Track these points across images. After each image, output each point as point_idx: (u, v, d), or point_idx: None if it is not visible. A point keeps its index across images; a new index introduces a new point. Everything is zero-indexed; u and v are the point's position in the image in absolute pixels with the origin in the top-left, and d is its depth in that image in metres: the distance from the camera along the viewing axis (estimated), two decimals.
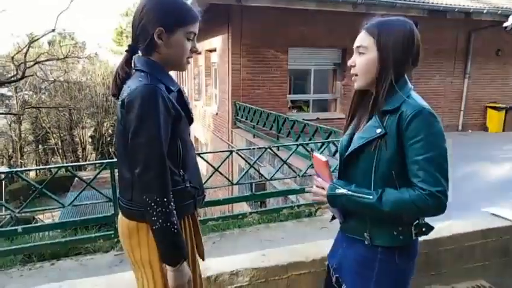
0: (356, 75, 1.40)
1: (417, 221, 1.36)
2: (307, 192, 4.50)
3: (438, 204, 1.23)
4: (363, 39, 1.37)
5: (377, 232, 1.37)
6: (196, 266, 1.47)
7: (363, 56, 1.36)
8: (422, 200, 1.23)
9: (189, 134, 1.46)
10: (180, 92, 1.38)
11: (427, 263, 2.36)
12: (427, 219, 1.41)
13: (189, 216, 1.45)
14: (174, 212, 1.26)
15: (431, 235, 2.32)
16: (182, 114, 1.34)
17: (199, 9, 1.38)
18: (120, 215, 1.41)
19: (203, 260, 1.56)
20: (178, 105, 1.33)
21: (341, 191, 1.35)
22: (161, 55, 1.34)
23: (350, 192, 1.34)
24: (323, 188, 1.43)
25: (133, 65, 1.36)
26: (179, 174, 1.35)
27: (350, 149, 1.40)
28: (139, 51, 1.36)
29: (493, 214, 2.70)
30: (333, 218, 1.57)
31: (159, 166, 1.23)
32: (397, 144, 1.28)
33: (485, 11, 9.17)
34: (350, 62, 1.42)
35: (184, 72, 14.57)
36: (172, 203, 1.25)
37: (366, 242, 1.39)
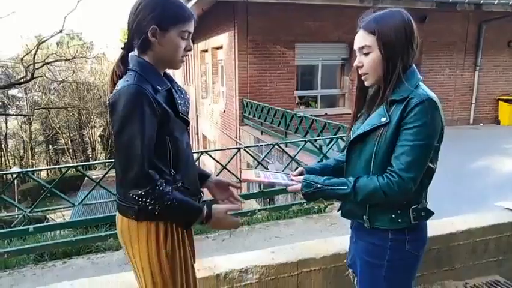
0: (366, 73, 1.42)
1: (416, 205, 1.38)
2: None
3: (404, 189, 1.29)
4: (364, 39, 1.39)
5: (375, 215, 1.41)
6: (188, 267, 1.42)
7: (369, 55, 1.39)
8: (389, 188, 1.29)
9: (187, 133, 1.44)
10: (170, 92, 1.36)
11: (439, 258, 2.32)
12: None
13: None
14: (165, 190, 1.25)
15: (444, 230, 2.31)
16: (171, 113, 1.32)
17: (193, 9, 1.37)
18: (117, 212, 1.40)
19: (194, 262, 1.52)
20: (167, 105, 1.31)
21: (315, 185, 1.40)
22: (155, 53, 1.33)
23: (323, 186, 1.39)
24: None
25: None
26: (170, 174, 1.34)
27: (354, 135, 1.43)
28: (135, 49, 1.35)
29: (507, 208, 2.64)
30: (340, 208, 1.58)
31: (141, 165, 1.22)
32: (395, 133, 1.32)
33: (496, 2, 8.98)
34: (356, 63, 1.44)
35: (191, 70, 14.60)
36: (158, 186, 1.24)
37: (365, 225, 1.43)
